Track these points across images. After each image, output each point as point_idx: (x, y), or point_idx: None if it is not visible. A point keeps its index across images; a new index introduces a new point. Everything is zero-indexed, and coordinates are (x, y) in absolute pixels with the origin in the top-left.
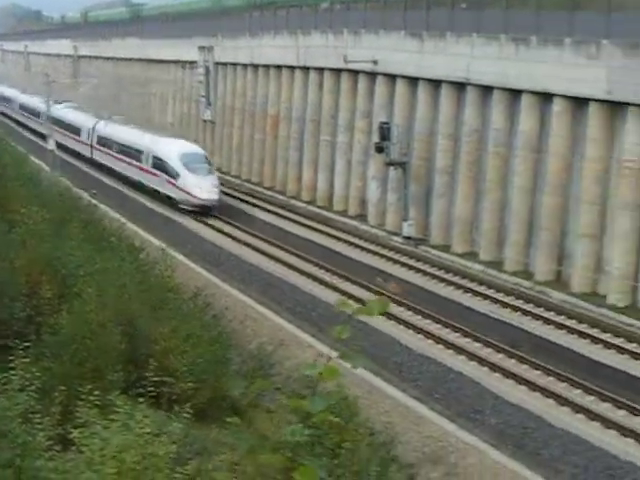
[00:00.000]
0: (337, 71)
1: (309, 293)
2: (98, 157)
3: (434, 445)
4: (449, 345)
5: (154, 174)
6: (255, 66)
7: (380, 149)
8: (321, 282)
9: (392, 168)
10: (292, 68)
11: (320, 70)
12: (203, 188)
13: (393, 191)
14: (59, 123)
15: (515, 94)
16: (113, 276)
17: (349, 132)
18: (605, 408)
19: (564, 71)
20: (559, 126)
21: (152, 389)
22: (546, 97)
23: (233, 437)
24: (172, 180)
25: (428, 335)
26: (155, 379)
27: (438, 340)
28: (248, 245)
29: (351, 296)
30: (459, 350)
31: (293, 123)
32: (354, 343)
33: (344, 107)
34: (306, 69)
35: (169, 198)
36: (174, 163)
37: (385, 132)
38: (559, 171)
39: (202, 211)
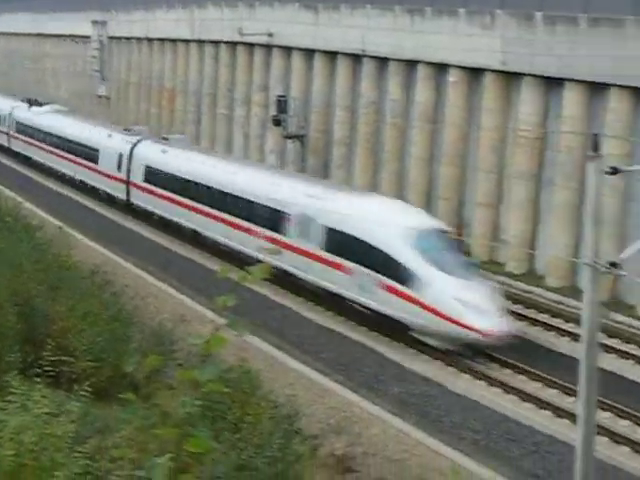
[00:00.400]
0: (233, 44)
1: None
2: (17, 147)
3: (338, 416)
4: (350, 318)
5: (330, 264)
6: (150, 40)
7: (277, 122)
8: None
9: (290, 141)
10: (187, 42)
11: (216, 43)
12: (477, 306)
13: (291, 164)
14: None
15: (411, 65)
16: (9, 255)
17: (246, 105)
18: (505, 374)
19: (459, 42)
20: (455, 96)
21: (51, 369)
22: (442, 68)
23: (127, 413)
24: (398, 287)
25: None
26: (53, 359)
27: (339, 312)
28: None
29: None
30: (360, 322)
31: (190, 97)
32: (256, 317)
33: (241, 80)
34: (202, 42)
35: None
36: (403, 253)
37: (282, 105)
38: (456, 141)
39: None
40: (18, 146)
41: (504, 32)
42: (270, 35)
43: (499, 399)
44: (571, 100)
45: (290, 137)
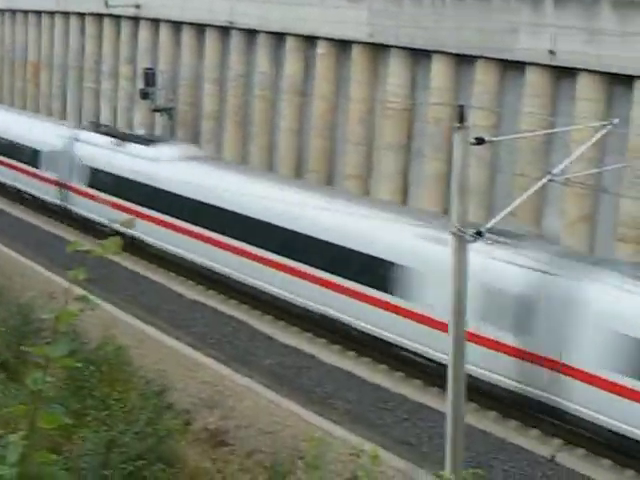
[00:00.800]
0: (99, 16)
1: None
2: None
3: (210, 390)
4: (220, 291)
5: None
6: (13, 12)
7: (145, 95)
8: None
9: (158, 114)
10: (52, 14)
11: (81, 15)
12: None
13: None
14: None
15: (280, 37)
16: None
17: (114, 79)
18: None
19: (327, 14)
20: (324, 69)
21: None
22: (310, 40)
23: None
24: None
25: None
26: None
27: (209, 286)
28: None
29: None
30: (231, 295)
31: (55, 70)
32: (126, 293)
33: (108, 53)
34: (67, 14)
35: None
36: None
37: (150, 78)
38: (325, 113)
39: None
40: (91, 209)
41: (371, 4)
42: (137, 7)
43: (370, 369)
44: (438, 72)
45: (158, 110)
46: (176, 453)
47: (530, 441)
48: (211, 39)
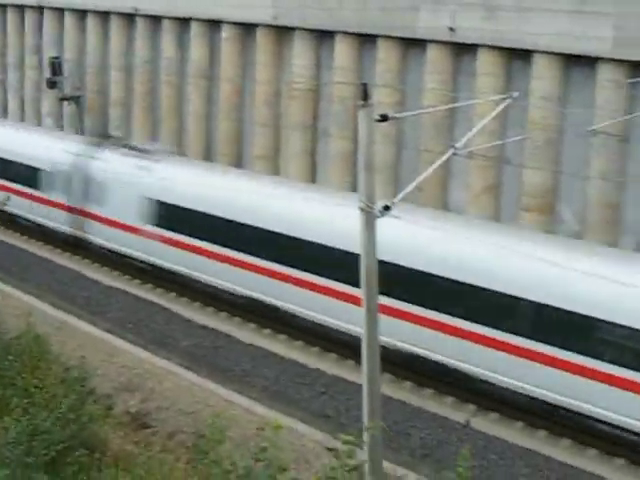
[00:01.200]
0: (2, 6)
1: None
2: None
3: (130, 374)
4: (135, 276)
5: None
6: None
7: (52, 84)
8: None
9: (66, 103)
10: None
11: None
12: None
13: (68, 126)
14: None
15: (185, 23)
16: None
17: (20, 69)
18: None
19: None
20: (229, 53)
21: None
22: (215, 25)
23: None
24: None
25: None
26: None
27: (124, 272)
28: None
29: None
30: (146, 280)
31: None
32: (40, 282)
33: (12, 44)
34: None
35: None
36: None
37: (56, 67)
38: (231, 96)
39: None
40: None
41: None
42: None
43: (286, 346)
44: (342, 52)
45: (66, 99)
46: (99, 438)
47: (445, 408)
48: (116, 26)
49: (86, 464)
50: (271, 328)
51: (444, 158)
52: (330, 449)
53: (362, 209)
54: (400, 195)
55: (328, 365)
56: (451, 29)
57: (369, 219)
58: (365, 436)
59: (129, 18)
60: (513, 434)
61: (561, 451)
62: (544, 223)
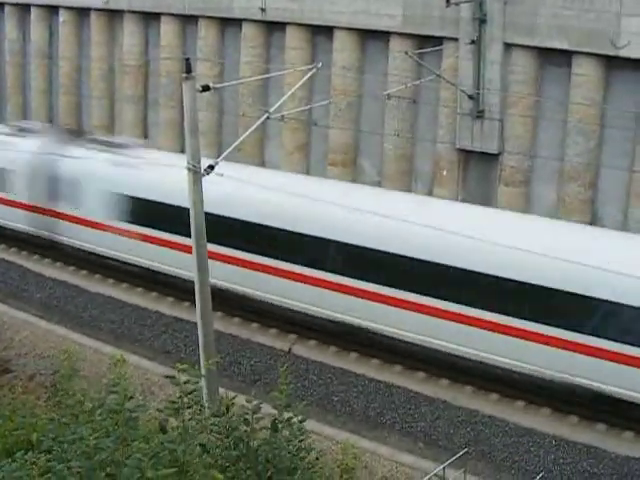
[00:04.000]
0: None
1: None
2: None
3: None
4: None
5: None
6: None
7: None
8: None
9: None
10: None
11: None
12: None
13: None
14: None
15: (25, 8)
16: None
17: None
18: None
19: None
20: (66, 34)
21: None
22: (54, 9)
23: None
24: None
25: None
26: None
27: None
28: None
29: None
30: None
31: None
32: None
33: None
34: None
35: None
36: None
37: None
38: (70, 73)
39: None
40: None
41: None
42: None
43: (127, 292)
44: (167, 31)
45: None
46: None
47: (270, 338)
48: None
49: None
50: (114, 278)
51: (259, 122)
52: (168, 376)
53: (189, 169)
54: (222, 156)
55: (166, 307)
56: (262, 9)
57: (196, 178)
58: (202, 367)
59: None
60: (329, 357)
61: (372, 369)
62: (348, 175)
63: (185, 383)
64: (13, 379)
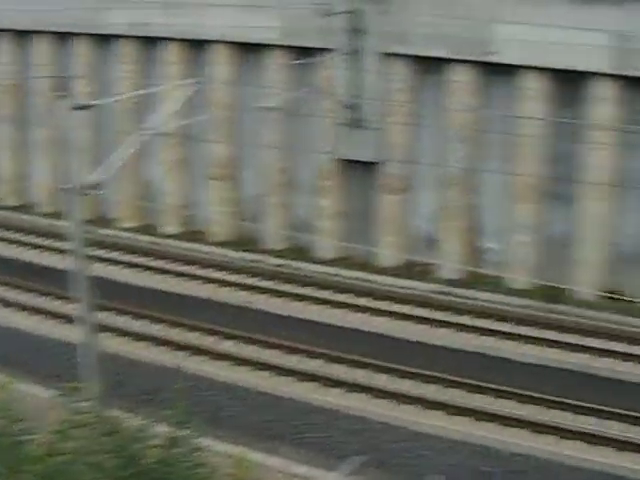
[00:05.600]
0: None
1: None
2: None
3: None
4: None
5: None
6: None
7: None
8: None
9: None
10: None
11: None
12: None
13: None
14: None
15: None
16: None
17: None
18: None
19: None
20: None
21: None
22: None
23: None
24: None
25: None
26: None
27: None
28: None
29: None
30: None
31: None
32: None
33: None
34: None
35: None
36: None
37: None
38: None
39: None
40: None
41: None
42: None
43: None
44: (40, 50)
45: None
46: None
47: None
48: None
49: None
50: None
51: (132, 139)
52: (60, 396)
53: (66, 189)
54: (95, 174)
55: (50, 331)
56: (139, 25)
57: (74, 197)
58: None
59: None
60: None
61: (264, 381)
62: (229, 190)
63: (73, 403)
64: None
